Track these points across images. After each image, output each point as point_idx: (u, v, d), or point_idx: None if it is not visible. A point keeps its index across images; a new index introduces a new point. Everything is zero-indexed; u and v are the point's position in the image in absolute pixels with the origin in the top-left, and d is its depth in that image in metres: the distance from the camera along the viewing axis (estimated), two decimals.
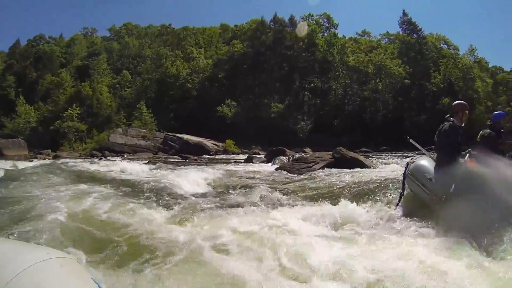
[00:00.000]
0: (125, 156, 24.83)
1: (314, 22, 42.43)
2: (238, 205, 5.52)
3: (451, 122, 4.21)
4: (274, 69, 38.29)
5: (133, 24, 59.67)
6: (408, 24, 41.48)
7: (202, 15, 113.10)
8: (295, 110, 35.31)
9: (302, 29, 38.50)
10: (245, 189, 7.16)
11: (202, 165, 16.16)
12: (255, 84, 38.77)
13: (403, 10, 42.54)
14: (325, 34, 41.95)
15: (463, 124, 4.28)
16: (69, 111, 35.32)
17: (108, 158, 22.94)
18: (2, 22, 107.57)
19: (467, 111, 4.32)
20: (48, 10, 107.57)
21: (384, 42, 47.26)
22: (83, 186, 8.25)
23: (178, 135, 29.56)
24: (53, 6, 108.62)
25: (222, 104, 36.16)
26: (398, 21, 42.30)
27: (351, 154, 10.81)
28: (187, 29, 52.48)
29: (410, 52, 39.29)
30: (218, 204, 5.77)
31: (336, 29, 42.68)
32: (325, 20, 43.20)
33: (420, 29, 40.93)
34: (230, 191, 7.08)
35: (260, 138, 30.69)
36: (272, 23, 41.48)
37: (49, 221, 4.58)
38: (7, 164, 14.47)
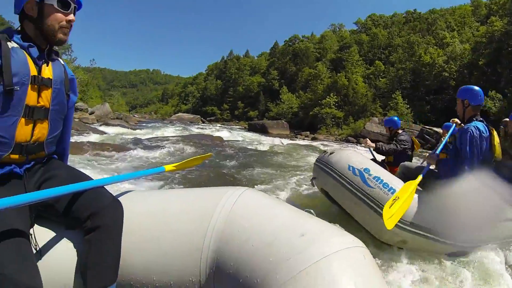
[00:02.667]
0: None
1: None
2: None
3: None
4: None
5: (377, 15, 60.57)
6: None
7: None
8: None
9: None
10: None
11: None
12: None
13: None
14: None
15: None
16: (327, 99, 39.39)
17: None
18: (263, 30, 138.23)
19: None
20: (299, 14, 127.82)
21: None
22: None
23: (435, 128, 27.68)
24: (303, 9, 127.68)
25: (485, 97, 33.13)
26: None
27: None
28: (434, 11, 49.65)
29: None
30: None
31: None
32: None
33: None
34: None
35: None
36: None
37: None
38: (274, 140, 17.61)
